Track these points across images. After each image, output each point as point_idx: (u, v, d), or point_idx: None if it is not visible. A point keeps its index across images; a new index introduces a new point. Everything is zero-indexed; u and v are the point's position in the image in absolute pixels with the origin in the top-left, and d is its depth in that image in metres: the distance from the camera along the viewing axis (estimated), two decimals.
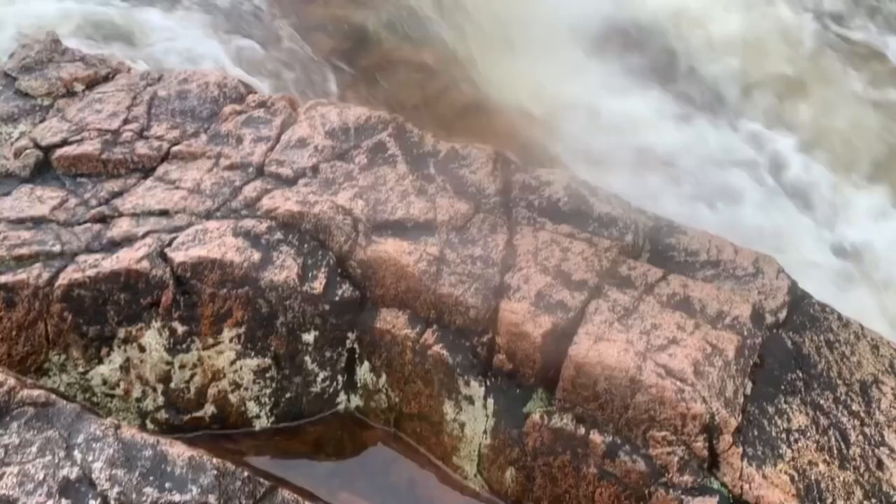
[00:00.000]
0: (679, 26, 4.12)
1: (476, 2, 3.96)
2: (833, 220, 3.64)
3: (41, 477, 1.60)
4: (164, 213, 2.34)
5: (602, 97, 3.86)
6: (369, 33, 3.77)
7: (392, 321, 2.24)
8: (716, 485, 1.92)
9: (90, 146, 2.49)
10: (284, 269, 2.22)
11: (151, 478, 1.66)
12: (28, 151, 2.49)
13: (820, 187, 3.60)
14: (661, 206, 3.50)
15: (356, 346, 2.28)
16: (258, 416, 2.30)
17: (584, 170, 3.66)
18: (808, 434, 2.01)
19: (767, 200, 3.55)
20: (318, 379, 2.29)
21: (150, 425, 2.25)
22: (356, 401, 2.34)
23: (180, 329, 2.21)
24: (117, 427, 1.72)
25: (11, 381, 1.69)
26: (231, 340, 2.22)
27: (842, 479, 1.94)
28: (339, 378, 2.31)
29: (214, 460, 1.73)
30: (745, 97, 4.07)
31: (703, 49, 4.18)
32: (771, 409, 2.04)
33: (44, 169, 2.48)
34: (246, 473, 1.75)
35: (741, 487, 1.90)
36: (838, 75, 3.98)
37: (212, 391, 2.26)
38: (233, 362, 2.24)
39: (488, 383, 2.14)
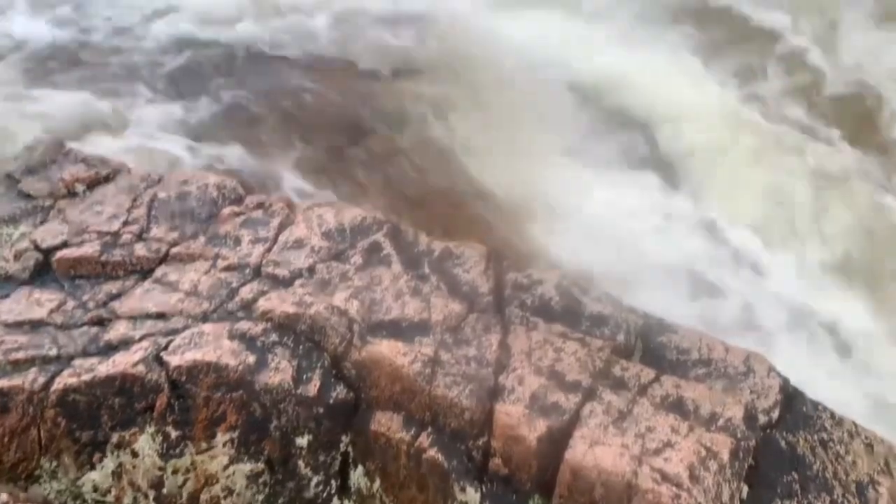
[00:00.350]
0: (668, 124, 4.25)
1: (469, 98, 4.09)
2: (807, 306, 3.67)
3: None
4: (160, 315, 2.36)
5: (594, 192, 3.95)
6: (366, 129, 3.88)
7: (386, 424, 2.23)
8: None
9: (90, 248, 2.53)
10: (279, 371, 2.23)
11: None
12: (28, 254, 2.53)
13: (808, 288, 3.65)
14: (649, 296, 3.56)
15: (350, 449, 2.27)
16: None
17: (576, 262, 3.72)
18: None
19: (754, 294, 3.59)
20: (312, 484, 2.27)
21: None
22: None
23: (174, 433, 2.20)
24: None
25: (4, 496, 1.68)
26: (224, 445, 2.21)
27: None
28: (333, 483, 2.29)
29: None
30: (730, 195, 4.16)
31: (695, 145, 4.29)
32: None
33: (43, 271, 2.52)
34: None
35: None
36: (827, 179, 4.08)
37: (204, 497, 2.23)
38: (226, 467, 2.22)
39: (484, 489, 2.12)
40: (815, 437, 2.26)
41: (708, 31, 4.83)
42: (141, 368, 2.19)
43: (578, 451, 2.03)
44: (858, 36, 4.96)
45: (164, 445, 2.20)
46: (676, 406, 2.18)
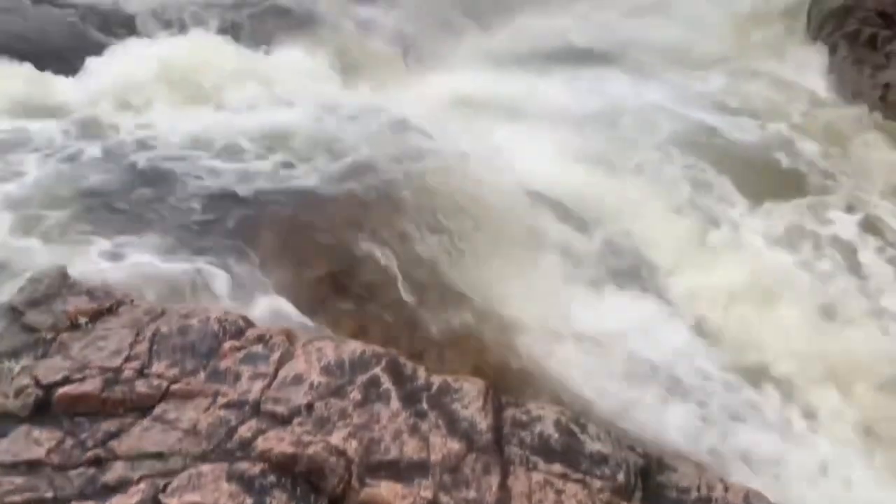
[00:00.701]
0: (665, 248, 4.35)
1: (464, 224, 4.19)
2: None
3: None
4: (159, 455, 2.35)
5: (590, 316, 4.00)
6: (361, 256, 3.95)
7: None
8: None
9: (91, 385, 2.54)
10: None
11: None
12: (29, 390, 2.54)
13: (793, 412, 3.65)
14: (648, 421, 3.55)
15: None
16: None
17: (573, 385, 3.73)
18: None
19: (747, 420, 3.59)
20: None
21: None
22: None
23: None
24: None
25: None
26: None
27: None
28: None
29: None
30: (721, 311, 4.21)
31: (687, 267, 4.37)
32: None
33: (43, 408, 2.52)
34: None
35: None
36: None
37: None
38: None
39: None
40: None
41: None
42: None
43: None
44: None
45: None
46: None
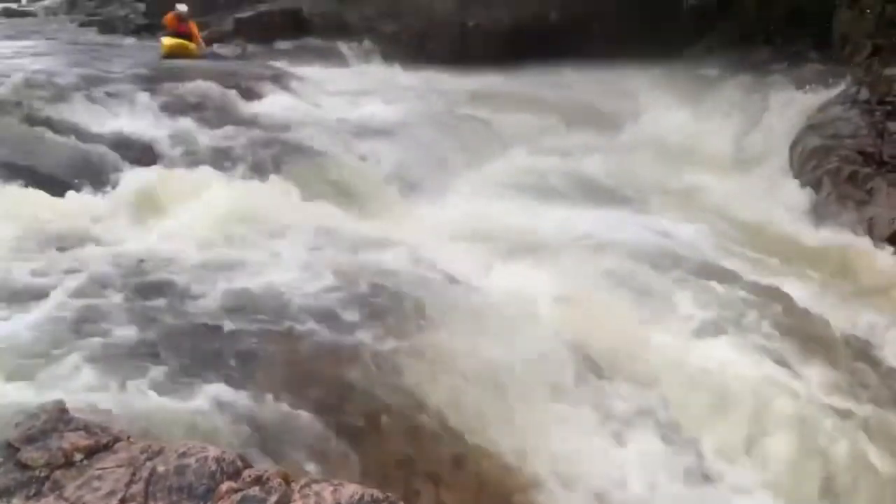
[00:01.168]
0: (660, 368, 4.37)
1: (463, 359, 4.20)
2: None
3: None
4: None
5: (588, 448, 3.97)
6: (359, 390, 3.94)
7: None
8: None
9: None
10: None
11: None
12: None
13: None
14: None
15: None
16: None
17: None
18: None
19: None
20: None
21: None
22: None
23: None
24: None
25: None
26: None
27: None
28: None
29: None
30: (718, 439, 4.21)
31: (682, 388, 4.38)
32: None
33: None
34: None
35: None
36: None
37: None
38: None
39: None
40: None
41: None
42: None
43: None
44: None
45: None
46: None
